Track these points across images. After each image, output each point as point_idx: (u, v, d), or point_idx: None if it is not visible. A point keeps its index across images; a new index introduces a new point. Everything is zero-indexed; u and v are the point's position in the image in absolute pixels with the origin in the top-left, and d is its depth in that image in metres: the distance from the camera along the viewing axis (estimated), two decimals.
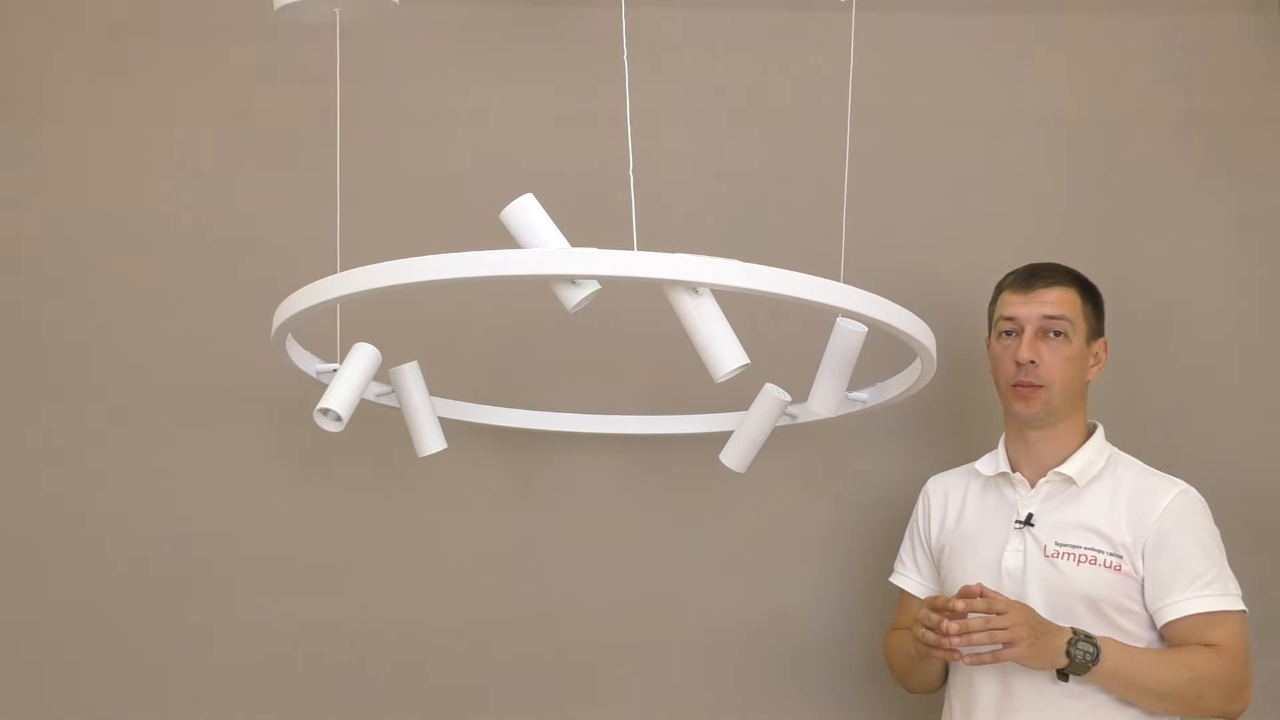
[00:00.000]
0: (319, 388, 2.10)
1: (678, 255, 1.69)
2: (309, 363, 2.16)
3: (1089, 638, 2.04)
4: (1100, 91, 2.70)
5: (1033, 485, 2.20)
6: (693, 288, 1.76)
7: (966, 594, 2.03)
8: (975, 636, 1.99)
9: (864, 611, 2.57)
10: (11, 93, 2.64)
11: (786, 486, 2.61)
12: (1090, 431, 2.23)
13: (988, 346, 2.29)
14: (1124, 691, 2.06)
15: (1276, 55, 2.70)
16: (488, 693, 2.59)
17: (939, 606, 2.05)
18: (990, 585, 2.13)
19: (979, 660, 2.01)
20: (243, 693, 2.56)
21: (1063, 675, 2.06)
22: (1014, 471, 2.23)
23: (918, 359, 2.10)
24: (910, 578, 2.36)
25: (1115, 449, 2.22)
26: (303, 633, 2.57)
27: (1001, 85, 2.70)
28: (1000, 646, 1.99)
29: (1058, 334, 2.18)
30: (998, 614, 1.99)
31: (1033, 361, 2.17)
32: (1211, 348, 2.65)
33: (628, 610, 2.60)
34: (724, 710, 2.60)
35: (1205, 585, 2.08)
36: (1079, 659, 2.02)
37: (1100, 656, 2.02)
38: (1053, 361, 2.17)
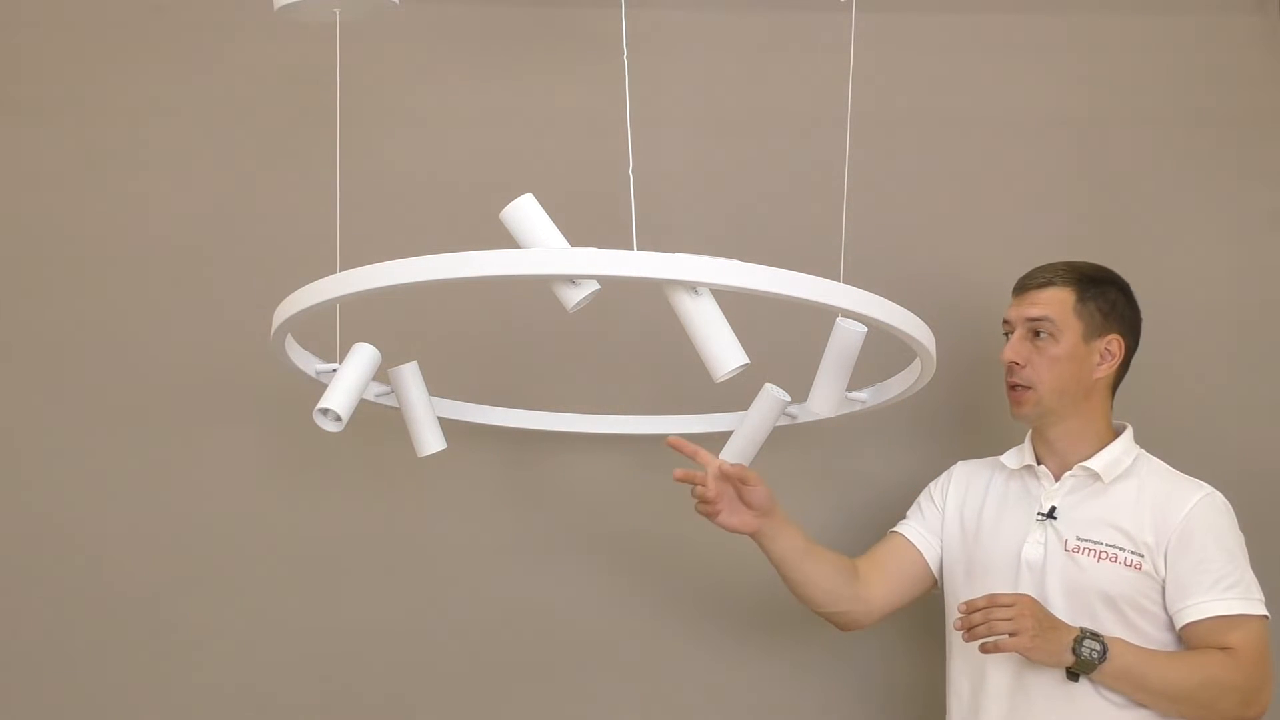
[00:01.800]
0: (319, 388, 2.10)
1: (678, 255, 1.69)
2: (309, 363, 2.16)
3: (1096, 636, 2.04)
4: (1100, 91, 2.70)
5: (1057, 479, 2.21)
6: (692, 288, 1.76)
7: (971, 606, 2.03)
8: (978, 630, 1.99)
9: None
10: (10, 92, 2.64)
11: (786, 486, 2.59)
12: (1119, 431, 2.23)
13: None
14: (1133, 693, 2.06)
15: (1276, 55, 2.70)
16: (486, 692, 2.59)
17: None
18: (1009, 576, 2.15)
19: (984, 648, 2.01)
20: (241, 691, 2.56)
21: (1072, 675, 2.06)
22: (1039, 464, 2.23)
23: (918, 359, 2.10)
24: (911, 525, 2.34)
25: (1143, 450, 2.23)
26: (302, 632, 2.57)
27: (1001, 85, 2.70)
28: (1005, 636, 1.99)
29: (1043, 334, 2.18)
30: (1003, 605, 2.00)
31: (1016, 363, 2.18)
32: (1212, 348, 2.65)
33: (627, 610, 2.60)
34: (724, 709, 2.60)
35: (1226, 589, 2.07)
36: (1085, 656, 2.02)
37: (1107, 655, 2.02)
38: (1039, 362, 2.18)
